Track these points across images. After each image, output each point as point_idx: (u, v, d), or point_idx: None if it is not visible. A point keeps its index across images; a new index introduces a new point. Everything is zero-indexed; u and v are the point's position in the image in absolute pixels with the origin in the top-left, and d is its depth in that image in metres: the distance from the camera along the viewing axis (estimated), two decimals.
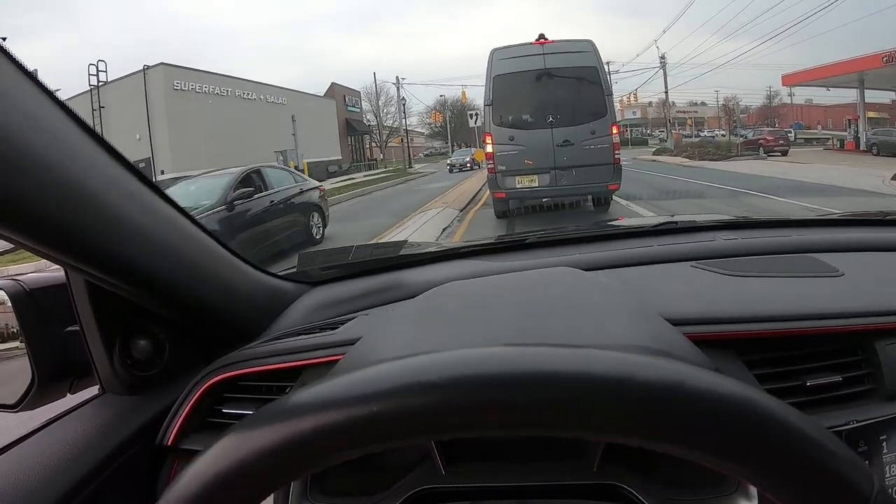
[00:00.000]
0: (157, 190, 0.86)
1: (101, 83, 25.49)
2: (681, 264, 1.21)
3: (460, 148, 53.96)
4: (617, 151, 10.39)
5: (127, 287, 0.84)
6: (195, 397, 0.92)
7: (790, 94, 70.93)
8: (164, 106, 25.98)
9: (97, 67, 25.50)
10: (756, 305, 0.94)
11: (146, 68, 26.33)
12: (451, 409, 0.44)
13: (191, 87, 28.19)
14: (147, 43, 77.14)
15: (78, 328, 0.93)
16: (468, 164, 38.76)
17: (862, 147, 33.27)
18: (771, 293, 1.03)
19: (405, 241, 1.78)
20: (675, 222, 1.58)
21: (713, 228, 1.51)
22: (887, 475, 0.80)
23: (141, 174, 0.83)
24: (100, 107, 24.41)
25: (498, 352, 0.47)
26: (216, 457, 0.46)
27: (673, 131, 51.45)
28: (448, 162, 42.11)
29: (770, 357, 0.88)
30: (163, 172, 24.43)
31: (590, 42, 10.66)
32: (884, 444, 0.81)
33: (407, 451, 0.82)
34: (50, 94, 0.68)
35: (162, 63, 26.92)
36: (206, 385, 0.92)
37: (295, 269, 1.33)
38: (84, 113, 0.76)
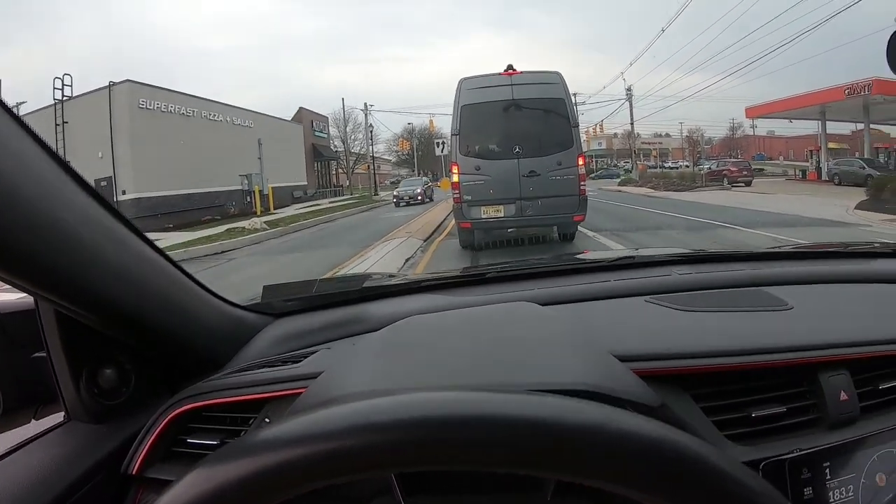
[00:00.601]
0: (124, 219, 0.88)
1: (65, 98, 24.81)
2: (636, 299, 1.26)
3: (421, 176, 50.16)
4: (583, 182, 10.51)
5: (94, 317, 0.86)
6: (160, 427, 0.93)
7: (752, 126, 72.76)
8: (129, 124, 25.45)
9: (62, 81, 24.75)
10: (704, 341, 1.00)
11: (112, 85, 25.79)
12: (395, 447, 0.50)
13: (156, 105, 27.63)
14: (116, 60, 76.79)
15: (45, 354, 0.94)
16: (419, 197, 33.61)
17: (824, 177, 34.21)
18: (720, 328, 1.09)
19: (368, 275, 1.84)
20: (633, 257, 1.64)
21: (669, 263, 1.57)
22: (831, 500, 0.85)
23: (108, 203, 0.85)
24: (63, 122, 23.71)
25: (434, 396, 0.54)
26: (189, 486, 0.51)
27: (638, 162, 52.21)
28: (394, 193, 35.92)
29: (717, 390, 0.93)
30: (124, 192, 23.97)
31: (557, 74, 10.84)
32: (827, 470, 0.87)
33: (366, 484, 0.85)
34: (17, 120, 0.70)
35: (128, 80, 26.42)
36: (171, 415, 0.93)
37: (259, 301, 1.34)
38: (47, 128, 0.77)
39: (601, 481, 0.51)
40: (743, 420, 0.91)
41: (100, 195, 0.82)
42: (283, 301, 1.34)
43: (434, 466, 0.51)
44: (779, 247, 1.98)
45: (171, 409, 0.94)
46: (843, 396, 0.94)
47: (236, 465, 0.51)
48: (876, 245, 1.78)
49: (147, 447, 0.92)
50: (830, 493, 0.86)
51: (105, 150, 24.67)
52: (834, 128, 41.79)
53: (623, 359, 0.90)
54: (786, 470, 0.85)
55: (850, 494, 0.87)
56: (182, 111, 29.68)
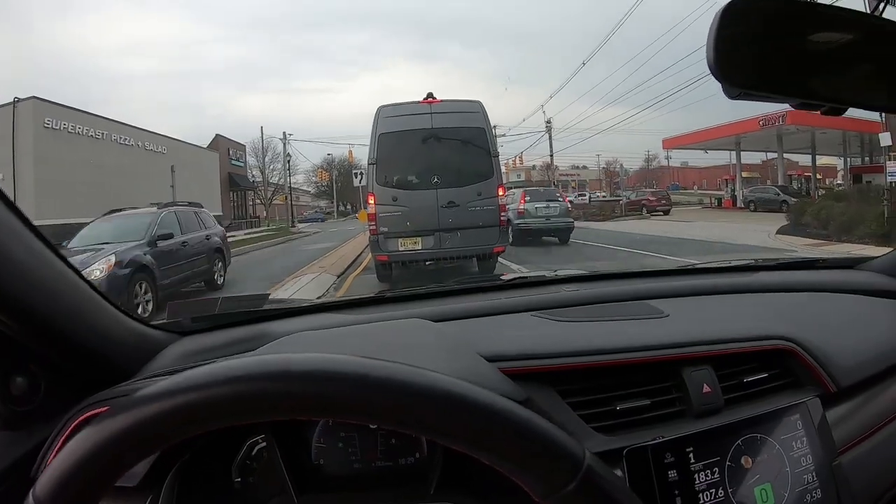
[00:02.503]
0: (39, 234, 0.92)
1: None
2: (522, 314, 1.34)
3: (161, 208, 12.31)
4: (503, 213, 10.56)
5: (7, 323, 0.88)
6: (67, 432, 0.97)
7: (667, 157, 75.87)
8: (32, 144, 24.04)
9: None
10: (571, 343, 1.10)
11: (17, 101, 24.40)
12: (240, 397, 0.62)
13: (63, 126, 26.28)
14: (27, 79, 74.78)
15: None
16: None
17: (739, 204, 35.83)
18: (592, 333, 1.19)
19: (268, 294, 2.05)
20: (525, 277, 1.82)
21: (559, 282, 1.70)
22: (697, 482, 0.95)
23: (24, 216, 0.90)
24: None
25: (266, 358, 0.66)
26: (80, 440, 0.62)
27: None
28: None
29: (586, 387, 1.04)
30: None
31: (478, 103, 10.85)
32: (690, 455, 0.97)
33: (265, 486, 0.98)
34: None
35: (33, 97, 25.12)
36: (76, 421, 0.97)
37: (166, 320, 1.39)
38: None
39: (387, 423, 0.62)
40: (610, 413, 1.02)
41: (13, 203, 0.88)
42: (189, 321, 1.38)
43: (257, 417, 0.63)
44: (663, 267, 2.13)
45: (76, 416, 0.98)
46: (706, 389, 1.07)
47: (117, 419, 0.61)
48: (759, 260, 1.97)
49: (55, 452, 0.95)
50: (696, 476, 0.95)
51: (6, 172, 23.15)
52: (745, 157, 43.94)
53: (490, 359, 1.00)
54: (648, 455, 0.94)
55: (716, 476, 0.96)
56: (91, 133, 28.45)
